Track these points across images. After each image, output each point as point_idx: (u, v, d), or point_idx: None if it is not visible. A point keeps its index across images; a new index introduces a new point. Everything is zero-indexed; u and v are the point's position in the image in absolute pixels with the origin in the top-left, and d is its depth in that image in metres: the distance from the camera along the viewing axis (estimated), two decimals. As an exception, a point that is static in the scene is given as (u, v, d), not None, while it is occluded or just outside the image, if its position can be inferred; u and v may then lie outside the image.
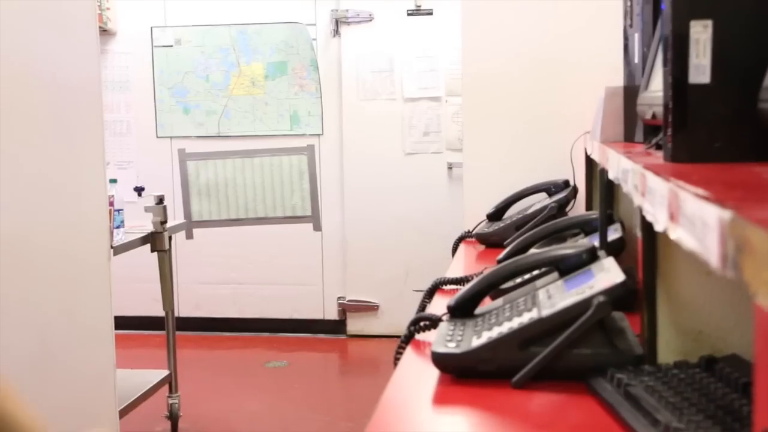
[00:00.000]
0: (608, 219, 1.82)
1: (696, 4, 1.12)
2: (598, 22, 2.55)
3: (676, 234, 0.84)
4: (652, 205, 1.00)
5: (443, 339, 1.30)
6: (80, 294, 2.75)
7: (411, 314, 1.52)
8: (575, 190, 2.48)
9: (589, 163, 2.41)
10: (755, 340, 0.62)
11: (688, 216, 0.80)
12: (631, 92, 1.76)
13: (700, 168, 1.07)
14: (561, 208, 2.41)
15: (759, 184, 0.90)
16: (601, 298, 1.19)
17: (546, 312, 1.23)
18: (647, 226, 1.17)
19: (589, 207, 2.45)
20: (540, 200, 2.54)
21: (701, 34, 1.13)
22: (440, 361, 1.26)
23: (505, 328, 1.25)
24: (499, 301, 1.42)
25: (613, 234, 1.79)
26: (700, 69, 1.13)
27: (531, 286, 1.42)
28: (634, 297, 1.34)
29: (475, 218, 2.66)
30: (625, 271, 1.29)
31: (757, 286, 0.57)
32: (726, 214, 0.66)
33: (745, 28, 1.12)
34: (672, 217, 0.88)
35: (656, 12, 1.58)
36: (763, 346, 0.60)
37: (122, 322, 3.44)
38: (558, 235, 2.28)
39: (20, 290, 2.63)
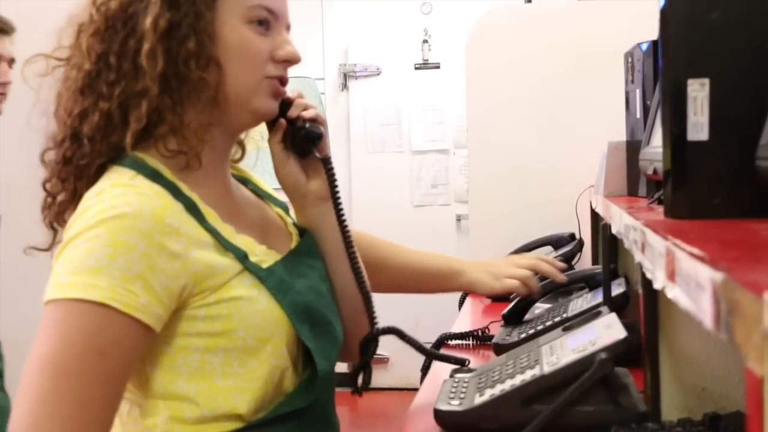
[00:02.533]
0: (612, 273, 1.82)
1: (693, 62, 1.13)
2: (601, 76, 2.57)
3: (673, 293, 0.85)
4: (651, 262, 1.00)
5: (446, 396, 1.30)
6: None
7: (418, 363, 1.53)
8: (581, 243, 2.48)
9: (595, 216, 2.41)
10: (747, 403, 0.62)
11: (683, 275, 0.80)
12: (633, 147, 1.78)
13: (699, 225, 1.07)
14: (566, 261, 2.41)
15: (756, 243, 0.90)
16: (603, 355, 1.19)
17: (548, 369, 1.22)
18: (648, 283, 1.17)
19: (595, 260, 2.44)
20: (546, 254, 2.53)
21: (698, 92, 1.14)
22: (443, 418, 1.26)
23: (508, 385, 1.24)
24: (503, 357, 1.42)
25: (617, 289, 1.79)
26: (698, 126, 1.14)
27: (534, 343, 1.42)
28: (639, 352, 1.34)
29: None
30: (629, 326, 1.29)
31: (748, 349, 0.57)
32: (718, 275, 0.66)
33: (742, 85, 1.13)
34: (669, 275, 0.88)
35: (656, 68, 1.60)
36: (754, 409, 0.59)
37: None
38: (563, 290, 2.29)
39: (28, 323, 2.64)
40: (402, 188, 5.45)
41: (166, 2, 1.11)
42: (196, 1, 1.12)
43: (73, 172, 1.15)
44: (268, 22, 1.17)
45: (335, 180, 1.25)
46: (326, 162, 1.25)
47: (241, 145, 1.31)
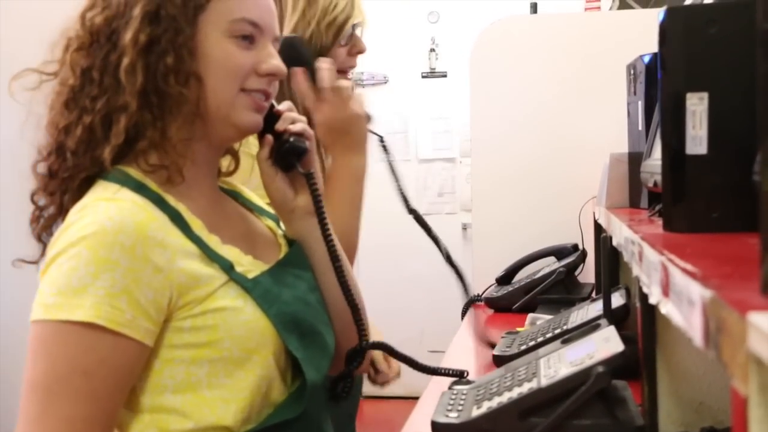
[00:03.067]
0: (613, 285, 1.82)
1: (691, 76, 1.13)
2: (605, 87, 2.57)
3: (666, 308, 0.85)
4: (648, 276, 1.00)
5: (444, 408, 1.30)
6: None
7: (427, 376, 1.52)
8: (584, 254, 2.48)
9: (598, 227, 2.41)
10: (733, 422, 0.62)
11: (676, 291, 0.80)
12: (635, 159, 1.78)
13: (696, 239, 1.07)
14: (570, 272, 2.42)
15: (750, 258, 0.90)
16: (600, 369, 1.19)
17: (545, 382, 1.22)
18: (645, 297, 1.17)
19: (598, 271, 2.44)
20: (549, 264, 2.54)
21: (697, 105, 1.14)
22: (440, 431, 1.26)
23: (505, 398, 1.24)
24: (501, 370, 1.42)
25: (618, 301, 1.79)
26: (697, 140, 1.14)
27: (533, 355, 1.42)
28: (638, 364, 1.34)
29: (485, 281, 2.67)
30: (628, 338, 1.29)
31: (733, 368, 0.57)
32: (707, 293, 0.66)
33: (741, 99, 1.13)
34: (664, 290, 0.88)
35: (657, 80, 1.60)
36: (739, 428, 0.59)
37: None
38: (567, 298, 2.29)
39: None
40: (408, 196, 5.45)
41: (147, 18, 1.11)
42: (177, 17, 1.12)
43: (59, 185, 1.15)
44: (252, 35, 1.16)
45: (319, 195, 1.25)
46: (309, 177, 1.25)
47: (236, 157, 1.31)
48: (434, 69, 5.44)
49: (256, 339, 1.12)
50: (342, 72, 1.65)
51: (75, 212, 1.09)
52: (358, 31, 1.66)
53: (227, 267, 1.13)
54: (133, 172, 1.14)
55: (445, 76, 5.44)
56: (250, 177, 1.35)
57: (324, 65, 1.57)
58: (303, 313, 1.19)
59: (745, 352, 0.54)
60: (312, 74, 1.56)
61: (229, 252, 1.16)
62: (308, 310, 1.21)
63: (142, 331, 1.06)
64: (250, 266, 1.17)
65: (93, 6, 1.16)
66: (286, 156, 1.24)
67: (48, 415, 1.03)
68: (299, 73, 1.55)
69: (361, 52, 1.66)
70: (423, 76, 5.47)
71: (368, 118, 1.62)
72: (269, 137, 1.24)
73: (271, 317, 1.13)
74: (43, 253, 1.17)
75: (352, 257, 1.52)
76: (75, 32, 1.16)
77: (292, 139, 1.23)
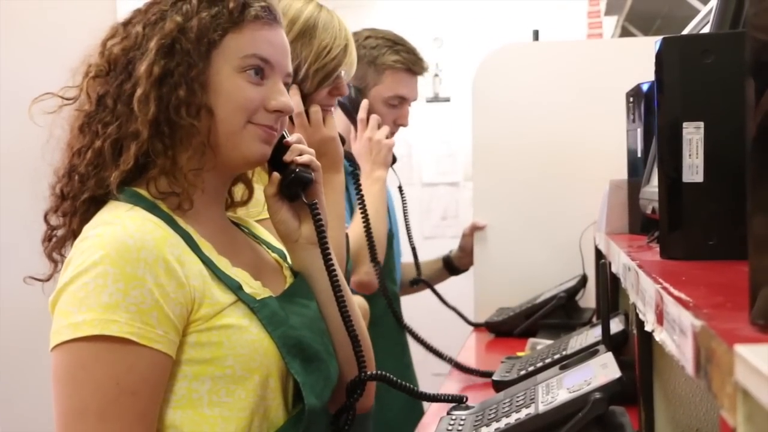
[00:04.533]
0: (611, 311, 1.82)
1: (688, 105, 1.14)
2: (606, 113, 2.58)
3: (660, 336, 0.85)
4: (644, 304, 1.01)
5: (442, 434, 1.30)
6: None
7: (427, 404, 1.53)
8: (584, 279, 2.49)
9: (598, 252, 2.42)
10: (722, 452, 0.62)
11: (670, 320, 0.81)
12: (634, 185, 1.79)
13: (692, 267, 1.08)
14: (570, 297, 2.42)
15: (743, 287, 0.91)
16: (598, 395, 1.19)
17: (543, 408, 1.23)
18: (641, 324, 1.17)
19: (599, 296, 2.44)
20: (549, 289, 2.54)
21: (694, 134, 1.15)
22: (438, 456, 1.26)
23: (503, 424, 1.25)
24: (501, 395, 1.42)
25: (617, 326, 1.79)
26: (694, 168, 1.15)
27: (532, 381, 1.42)
28: (636, 390, 1.34)
29: (487, 304, 2.67)
30: (626, 364, 1.29)
31: (722, 399, 0.58)
32: (698, 323, 0.67)
33: (737, 128, 1.13)
34: (658, 318, 0.89)
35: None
36: (728, 458, 0.60)
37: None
38: (568, 323, 2.29)
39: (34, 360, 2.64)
40: (412, 220, 5.42)
41: (162, 50, 1.14)
42: (191, 51, 1.15)
43: (69, 206, 1.17)
44: (262, 71, 1.19)
45: (322, 225, 1.27)
46: (313, 207, 1.27)
47: (249, 187, 1.33)
48: (438, 94, 5.46)
49: (258, 359, 1.13)
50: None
51: (91, 229, 1.11)
52: (343, 74, 1.69)
53: (236, 287, 1.14)
54: (145, 193, 1.16)
55: (448, 101, 5.46)
56: (263, 209, 1.37)
57: (293, 92, 1.61)
58: (309, 339, 1.20)
59: (733, 383, 0.55)
60: None
61: (238, 274, 1.17)
62: (314, 337, 1.22)
63: (173, 346, 1.07)
64: (258, 289, 1.19)
65: (114, 35, 1.20)
66: (292, 186, 1.26)
67: None
68: None
69: (340, 95, 1.70)
70: (427, 101, 5.49)
71: (341, 139, 1.71)
72: (276, 175, 1.27)
73: (276, 339, 1.14)
74: (54, 272, 1.19)
75: (342, 268, 1.56)
76: (96, 59, 1.19)
77: (298, 170, 1.26)
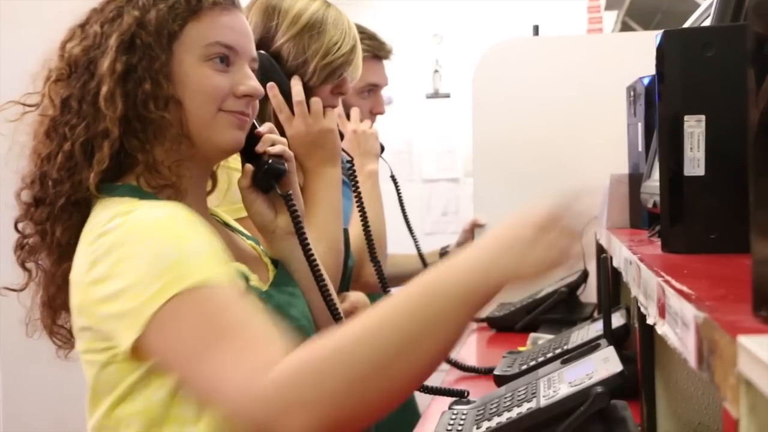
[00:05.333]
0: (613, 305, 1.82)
1: (689, 99, 1.14)
2: (606, 108, 2.58)
3: (662, 330, 0.85)
4: (645, 297, 1.01)
5: (444, 429, 1.30)
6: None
7: (429, 398, 1.53)
8: (585, 274, 2.48)
9: (599, 247, 2.41)
10: (725, 444, 0.62)
11: (672, 313, 0.81)
12: (635, 180, 1.78)
13: (694, 260, 1.08)
14: (571, 291, 2.42)
15: (745, 280, 0.90)
16: (599, 389, 1.19)
17: (544, 402, 1.23)
18: (643, 317, 1.17)
19: (600, 290, 2.44)
20: (550, 284, 2.54)
21: (695, 128, 1.15)
22: (440, 451, 1.27)
23: (504, 418, 1.25)
24: (502, 390, 1.42)
25: (618, 320, 1.79)
26: (695, 162, 1.15)
27: (533, 375, 1.42)
28: (638, 384, 1.34)
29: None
30: (628, 358, 1.29)
31: (725, 390, 0.58)
32: (701, 315, 0.67)
33: (739, 121, 1.13)
34: (660, 312, 0.89)
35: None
36: (731, 450, 0.60)
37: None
38: (569, 318, 2.29)
39: (36, 368, 2.64)
40: (412, 216, 5.38)
41: (122, 47, 1.13)
42: (152, 44, 1.14)
43: (45, 213, 1.15)
44: (227, 58, 1.18)
45: (298, 215, 1.27)
46: (287, 198, 1.27)
47: (213, 177, 1.32)
48: (438, 90, 5.46)
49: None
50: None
51: (105, 225, 1.08)
52: (347, 75, 1.69)
53: (244, 278, 1.15)
54: (143, 184, 1.15)
55: (448, 96, 5.46)
56: (227, 191, 1.37)
57: (295, 81, 1.61)
58: (307, 330, 1.20)
59: (736, 374, 0.55)
60: (284, 89, 1.60)
61: (239, 267, 1.17)
62: (310, 327, 1.22)
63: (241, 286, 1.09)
64: (256, 281, 1.19)
65: (72, 37, 1.19)
66: (265, 178, 1.26)
67: (239, 343, 1.00)
68: (272, 88, 1.59)
69: (343, 94, 1.70)
70: (427, 97, 5.49)
71: (340, 133, 1.69)
72: (249, 166, 1.26)
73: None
74: (29, 281, 1.18)
75: (339, 262, 1.56)
76: (56, 63, 1.18)
77: (270, 161, 1.25)
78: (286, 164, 1.27)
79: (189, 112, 1.15)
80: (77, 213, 1.14)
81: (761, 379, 0.51)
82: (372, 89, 2.26)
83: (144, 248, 1.04)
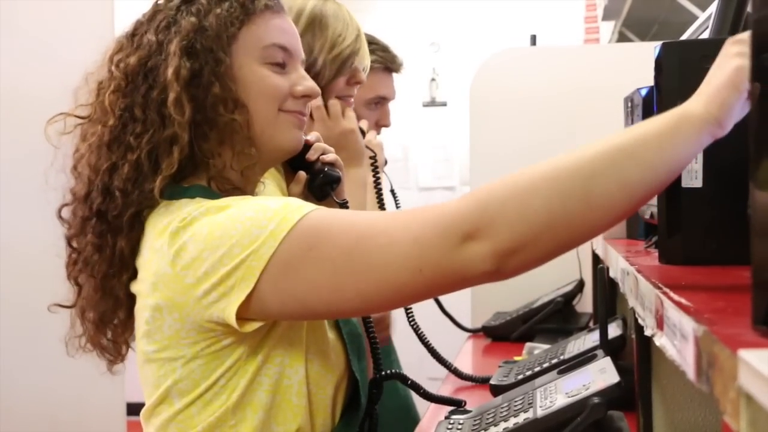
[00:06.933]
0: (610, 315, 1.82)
1: (686, 111, 1.14)
2: (603, 118, 2.58)
3: (660, 341, 0.85)
4: (643, 308, 1.01)
5: (440, 438, 1.30)
6: (92, 378, 2.75)
7: (426, 402, 1.53)
8: (581, 283, 2.49)
9: (596, 257, 2.41)
10: (724, 458, 0.62)
11: (670, 325, 0.81)
12: (632, 190, 1.78)
13: (692, 272, 1.08)
14: (567, 301, 2.42)
15: (744, 292, 0.91)
16: (596, 400, 1.19)
17: (541, 413, 1.23)
18: (640, 328, 1.17)
19: (595, 301, 2.44)
20: (546, 293, 2.54)
21: (693, 139, 1.15)
22: (436, 460, 1.26)
23: (501, 428, 1.24)
24: (498, 399, 1.42)
25: (615, 331, 1.79)
26: (692, 173, 1.15)
27: (530, 385, 1.42)
28: (635, 395, 1.34)
29: (484, 309, 2.67)
30: (624, 369, 1.29)
31: (725, 404, 0.58)
32: (700, 328, 0.67)
33: (736, 133, 1.13)
34: (658, 323, 0.88)
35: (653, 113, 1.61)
36: (731, 464, 0.60)
37: (136, 409, 3.42)
38: (565, 327, 2.29)
39: (31, 373, 2.64)
40: (408, 224, 5.46)
41: (185, 52, 1.13)
42: (213, 48, 1.14)
43: (108, 225, 1.14)
44: (283, 60, 1.20)
45: None
46: (343, 205, 1.28)
47: None
48: (435, 98, 5.47)
49: (332, 357, 1.16)
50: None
51: (176, 222, 1.08)
52: (358, 63, 1.69)
53: None
54: (213, 187, 1.16)
55: (445, 105, 5.46)
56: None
57: None
58: (360, 338, 1.22)
59: (736, 388, 0.55)
60: None
61: None
62: (362, 336, 1.24)
63: None
64: None
65: (120, 49, 1.18)
66: (322, 185, 1.27)
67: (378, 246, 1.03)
68: None
69: (359, 82, 1.69)
70: (424, 105, 5.49)
71: (361, 132, 1.69)
72: (302, 174, 1.27)
73: (345, 336, 1.16)
74: (78, 296, 1.17)
75: None
76: (108, 75, 1.17)
77: (327, 169, 1.27)
78: (339, 172, 1.28)
79: (252, 114, 1.16)
80: (138, 223, 1.13)
81: (762, 394, 0.51)
82: (380, 101, 2.26)
83: (233, 218, 1.04)
